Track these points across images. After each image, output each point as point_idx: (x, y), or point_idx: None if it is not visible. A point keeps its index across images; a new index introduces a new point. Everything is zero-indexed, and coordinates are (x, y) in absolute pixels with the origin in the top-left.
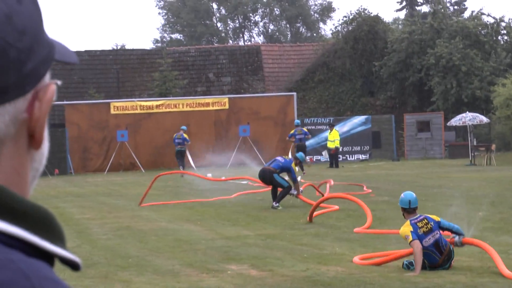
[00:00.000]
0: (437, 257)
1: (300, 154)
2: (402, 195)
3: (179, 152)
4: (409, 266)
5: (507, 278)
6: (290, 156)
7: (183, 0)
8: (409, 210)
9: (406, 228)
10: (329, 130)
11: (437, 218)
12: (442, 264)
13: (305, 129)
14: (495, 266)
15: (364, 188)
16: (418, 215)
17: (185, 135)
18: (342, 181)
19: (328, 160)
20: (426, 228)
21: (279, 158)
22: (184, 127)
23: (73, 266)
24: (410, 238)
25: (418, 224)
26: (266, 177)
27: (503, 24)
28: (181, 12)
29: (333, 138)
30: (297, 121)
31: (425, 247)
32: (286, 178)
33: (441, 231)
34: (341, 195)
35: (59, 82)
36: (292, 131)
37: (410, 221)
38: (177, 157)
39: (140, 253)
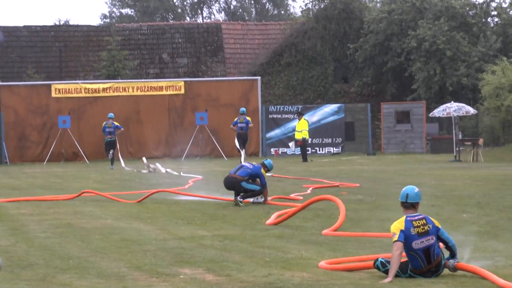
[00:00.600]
0: (423, 265)
1: (268, 162)
2: (403, 189)
3: (110, 143)
4: (382, 266)
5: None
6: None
7: None
8: (406, 205)
9: (397, 225)
10: (298, 120)
11: (438, 224)
12: (426, 274)
13: (248, 118)
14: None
15: (336, 184)
16: (418, 213)
17: (116, 123)
18: (310, 176)
19: (295, 152)
20: (422, 229)
21: (246, 164)
22: (111, 114)
23: None
24: (396, 237)
25: (414, 222)
26: (234, 186)
27: (493, 4)
28: None
29: (301, 128)
30: (242, 109)
31: (413, 250)
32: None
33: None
34: (322, 198)
35: None
36: (236, 119)
37: (406, 217)
38: (107, 149)
39: (82, 253)
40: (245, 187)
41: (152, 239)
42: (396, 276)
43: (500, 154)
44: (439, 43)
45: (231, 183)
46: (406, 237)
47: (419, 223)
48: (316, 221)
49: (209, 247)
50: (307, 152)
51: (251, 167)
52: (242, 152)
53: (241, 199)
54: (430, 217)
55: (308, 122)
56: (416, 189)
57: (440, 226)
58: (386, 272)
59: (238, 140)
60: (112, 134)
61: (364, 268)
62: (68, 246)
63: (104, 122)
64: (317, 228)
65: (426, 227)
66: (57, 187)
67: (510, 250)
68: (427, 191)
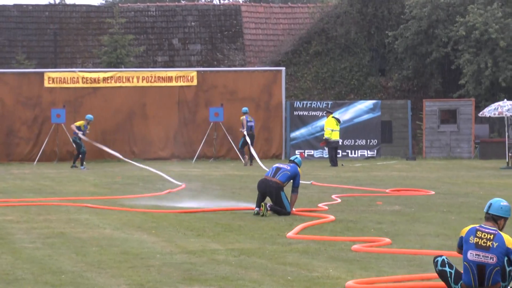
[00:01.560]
0: (473, 283)
1: (299, 160)
2: None
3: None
4: (441, 265)
5: None
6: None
7: None
8: (486, 216)
9: (465, 229)
10: (325, 117)
11: (509, 244)
12: None
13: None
14: None
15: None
16: (494, 228)
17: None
18: (340, 184)
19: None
20: (483, 242)
21: (283, 166)
22: (90, 116)
23: None
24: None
25: (478, 232)
26: (271, 192)
27: None
28: None
29: (326, 127)
30: (245, 108)
31: (467, 260)
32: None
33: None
34: None
35: None
36: (244, 118)
37: (475, 226)
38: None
39: (77, 268)
40: (282, 199)
41: (157, 253)
42: (448, 285)
43: None
44: (492, 31)
45: (269, 188)
46: (464, 244)
47: (483, 235)
48: (346, 235)
49: (222, 262)
50: (338, 156)
51: (289, 168)
52: (255, 155)
53: (269, 208)
54: (505, 235)
55: (338, 121)
56: (505, 202)
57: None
58: (441, 273)
59: (250, 142)
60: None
61: None
62: (60, 258)
63: (84, 123)
64: (347, 243)
65: (489, 243)
66: (48, 190)
67: None
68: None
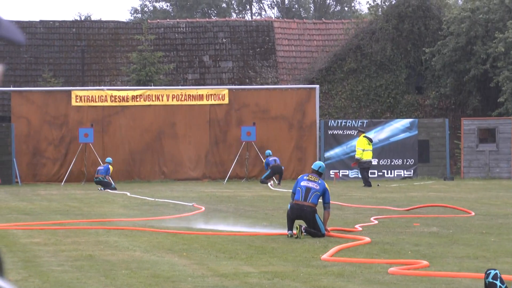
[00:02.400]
0: None
1: (323, 168)
2: None
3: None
4: (493, 277)
5: None
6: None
7: None
8: None
9: None
10: (357, 137)
11: None
12: None
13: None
14: None
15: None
16: None
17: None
18: (375, 204)
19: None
20: None
21: (312, 185)
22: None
23: None
24: None
25: None
26: (306, 216)
27: None
28: None
29: (357, 147)
30: (268, 151)
31: None
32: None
33: None
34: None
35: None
36: (267, 159)
37: None
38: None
39: None
40: (317, 221)
41: (188, 276)
42: None
43: None
44: None
45: (304, 213)
46: None
47: None
48: (382, 257)
49: (255, 286)
50: (369, 175)
51: (318, 187)
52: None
53: (304, 231)
54: None
55: (369, 140)
56: None
57: None
58: (490, 285)
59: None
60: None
61: None
62: (89, 282)
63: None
64: (383, 266)
65: None
66: (76, 212)
67: None
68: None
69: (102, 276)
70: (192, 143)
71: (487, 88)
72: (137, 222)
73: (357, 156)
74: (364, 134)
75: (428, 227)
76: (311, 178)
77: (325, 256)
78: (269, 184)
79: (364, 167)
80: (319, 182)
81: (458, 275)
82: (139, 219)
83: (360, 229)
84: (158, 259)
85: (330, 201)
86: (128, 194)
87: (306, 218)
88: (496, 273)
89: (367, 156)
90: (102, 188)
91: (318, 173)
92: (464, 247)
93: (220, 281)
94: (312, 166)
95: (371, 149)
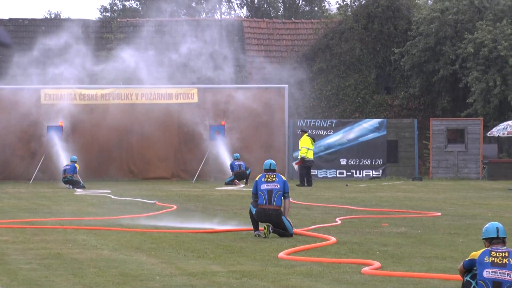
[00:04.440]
0: None
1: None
2: (486, 226)
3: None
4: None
5: None
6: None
7: None
8: (496, 241)
9: (476, 253)
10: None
11: None
12: None
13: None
14: None
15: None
16: (505, 247)
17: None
18: (345, 204)
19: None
20: (499, 260)
21: (272, 186)
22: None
23: None
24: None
25: (493, 252)
26: (272, 220)
27: None
28: None
29: (300, 145)
30: (236, 154)
31: (483, 278)
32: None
33: None
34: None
35: None
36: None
37: (488, 248)
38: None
39: None
40: (285, 222)
41: (156, 275)
42: None
43: None
44: (501, 49)
45: (270, 217)
46: (479, 266)
47: (499, 254)
48: (351, 257)
49: (223, 285)
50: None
51: (278, 185)
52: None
53: (272, 231)
54: None
55: (313, 140)
56: (499, 224)
57: None
58: (467, 284)
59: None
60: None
61: None
62: (57, 280)
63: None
64: (352, 266)
65: (505, 260)
66: (45, 210)
67: None
68: (482, 224)
69: (71, 274)
70: (161, 142)
71: (456, 89)
72: (106, 220)
73: (302, 154)
74: (307, 134)
75: (396, 227)
76: (269, 178)
77: (281, 254)
78: (235, 182)
79: (306, 165)
80: (277, 179)
81: (426, 276)
82: (107, 218)
83: (340, 222)
84: (126, 258)
85: (294, 200)
86: (112, 197)
87: (272, 221)
88: (475, 273)
89: (310, 155)
90: (71, 186)
91: (272, 170)
92: (432, 248)
93: (188, 280)
94: (263, 167)
95: (313, 149)
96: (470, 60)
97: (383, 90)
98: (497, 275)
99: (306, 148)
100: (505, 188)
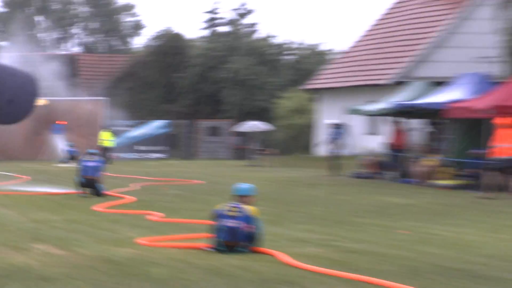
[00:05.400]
0: (222, 237)
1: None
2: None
3: None
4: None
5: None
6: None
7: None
8: (235, 197)
9: (218, 206)
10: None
11: (253, 212)
12: (230, 245)
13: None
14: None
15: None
16: (237, 203)
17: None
18: (140, 175)
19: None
20: (232, 213)
21: (91, 163)
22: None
23: None
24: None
25: (227, 207)
26: (91, 186)
27: (293, 45)
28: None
29: (108, 138)
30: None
31: (222, 225)
32: None
33: (246, 224)
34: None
35: None
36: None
37: (227, 204)
38: None
39: None
40: (97, 188)
41: (14, 222)
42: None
43: (288, 162)
44: (247, 73)
45: (90, 183)
46: (218, 215)
47: (233, 208)
48: (143, 209)
49: (59, 228)
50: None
51: (97, 164)
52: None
53: (90, 192)
54: (245, 206)
55: (113, 133)
56: (245, 185)
57: (254, 214)
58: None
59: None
60: None
61: (176, 247)
62: None
63: None
64: (141, 216)
65: (236, 213)
66: None
67: (289, 233)
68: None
69: None
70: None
71: (216, 100)
72: None
73: (106, 145)
74: (106, 130)
75: (174, 190)
76: (90, 158)
77: (95, 207)
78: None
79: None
80: (93, 160)
81: (190, 221)
82: None
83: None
84: None
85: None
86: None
87: (91, 186)
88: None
89: (112, 144)
90: None
91: (92, 154)
92: (197, 204)
93: (35, 225)
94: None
95: (114, 139)
96: (227, 81)
97: (169, 101)
98: (230, 223)
99: (109, 140)
100: (243, 165)
